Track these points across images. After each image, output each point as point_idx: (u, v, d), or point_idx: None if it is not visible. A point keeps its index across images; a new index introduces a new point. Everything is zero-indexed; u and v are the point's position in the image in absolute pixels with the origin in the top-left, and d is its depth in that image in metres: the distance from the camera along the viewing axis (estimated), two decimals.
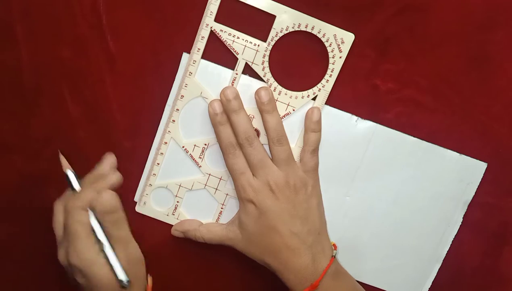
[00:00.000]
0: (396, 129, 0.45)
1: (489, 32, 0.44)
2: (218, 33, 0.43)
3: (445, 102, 0.45)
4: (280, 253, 0.43)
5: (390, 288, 0.47)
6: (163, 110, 0.46)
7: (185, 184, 0.46)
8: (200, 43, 0.43)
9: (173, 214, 0.47)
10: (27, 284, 0.50)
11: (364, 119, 0.45)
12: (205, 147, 0.46)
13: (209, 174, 0.46)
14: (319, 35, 0.43)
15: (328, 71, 0.44)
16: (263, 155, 0.43)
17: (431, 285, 0.47)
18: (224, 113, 0.44)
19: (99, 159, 0.45)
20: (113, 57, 0.45)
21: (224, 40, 0.43)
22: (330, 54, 0.44)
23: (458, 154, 0.45)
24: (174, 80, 0.45)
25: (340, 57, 0.43)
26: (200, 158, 0.46)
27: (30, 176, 0.48)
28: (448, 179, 0.45)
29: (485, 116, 0.45)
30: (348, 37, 0.43)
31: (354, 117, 0.45)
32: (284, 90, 0.44)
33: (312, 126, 0.44)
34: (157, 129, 0.46)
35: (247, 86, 0.44)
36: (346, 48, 0.43)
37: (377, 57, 0.45)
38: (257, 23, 0.43)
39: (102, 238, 0.40)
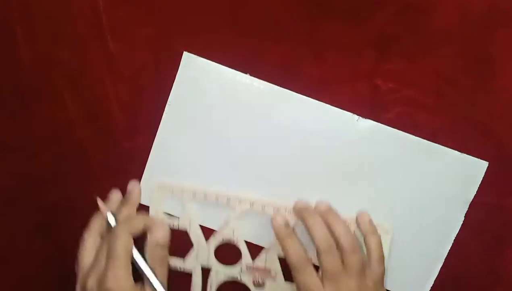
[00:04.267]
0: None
1: (489, 32, 0.44)
2: None
3: (445, 102, 0.45)
4: None
5: (392, 287, 0.47)
6: (163, 110, 0.45)
7: None
8: None
9: None
10: (27, 285, 0.50)
11: (365, 118, 0.45)
12: None
13: None
14: None
15: None
16: (340, 264, 0.40)
17: (433, 284, 0.47)
18: (289, 226, 0.42)
19: (99, 158, 0.45)
20: (113, 57, 0.45)
21: None
22: None
23: (459, 152, 0.45)
24: (174, 80, 0.45)
25: None
26: None
27: (30, 176, 0.48)
28: (449, 177, 0.45)
29: (485, 115, 0.45)
30: None
31: (355, 117, 0.45)
32: None
33: (368, 228, 0.43)
34: (157, 129, 0.46)
35: (247, 86, 0.44)
36: None
37: (378, 57, 0.45)
38: None
39: (147, 270, 0.40)
